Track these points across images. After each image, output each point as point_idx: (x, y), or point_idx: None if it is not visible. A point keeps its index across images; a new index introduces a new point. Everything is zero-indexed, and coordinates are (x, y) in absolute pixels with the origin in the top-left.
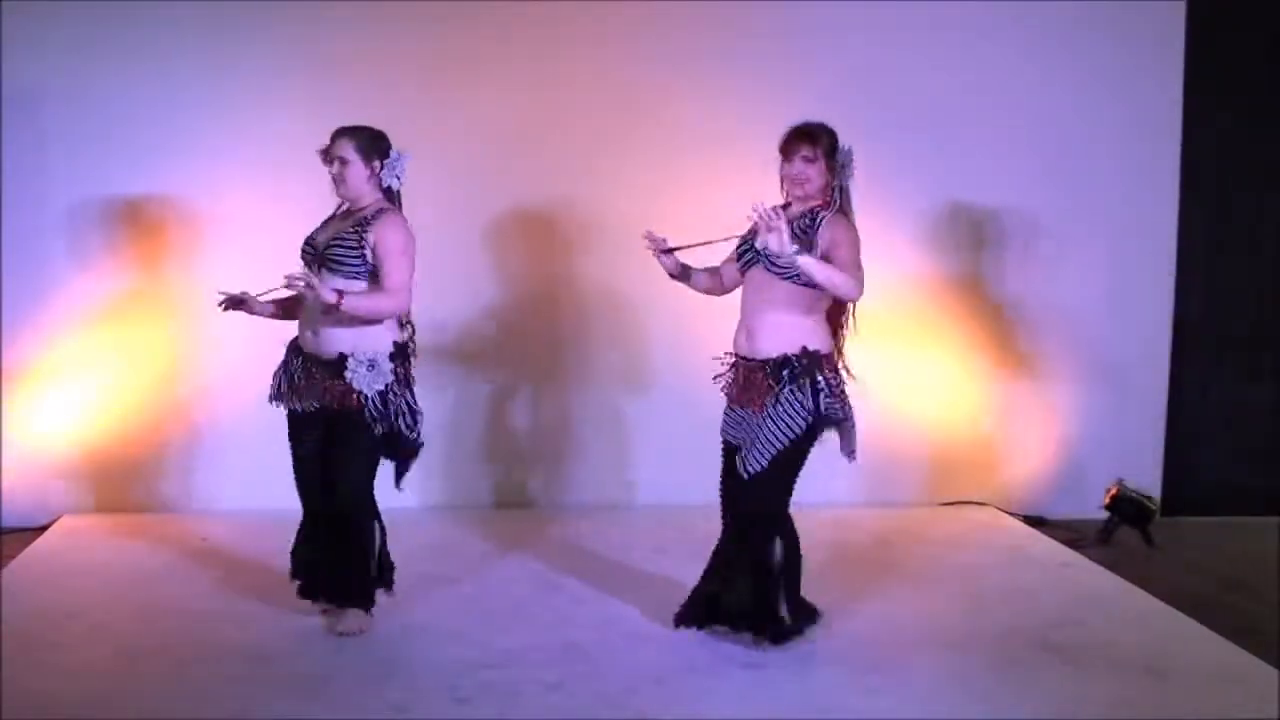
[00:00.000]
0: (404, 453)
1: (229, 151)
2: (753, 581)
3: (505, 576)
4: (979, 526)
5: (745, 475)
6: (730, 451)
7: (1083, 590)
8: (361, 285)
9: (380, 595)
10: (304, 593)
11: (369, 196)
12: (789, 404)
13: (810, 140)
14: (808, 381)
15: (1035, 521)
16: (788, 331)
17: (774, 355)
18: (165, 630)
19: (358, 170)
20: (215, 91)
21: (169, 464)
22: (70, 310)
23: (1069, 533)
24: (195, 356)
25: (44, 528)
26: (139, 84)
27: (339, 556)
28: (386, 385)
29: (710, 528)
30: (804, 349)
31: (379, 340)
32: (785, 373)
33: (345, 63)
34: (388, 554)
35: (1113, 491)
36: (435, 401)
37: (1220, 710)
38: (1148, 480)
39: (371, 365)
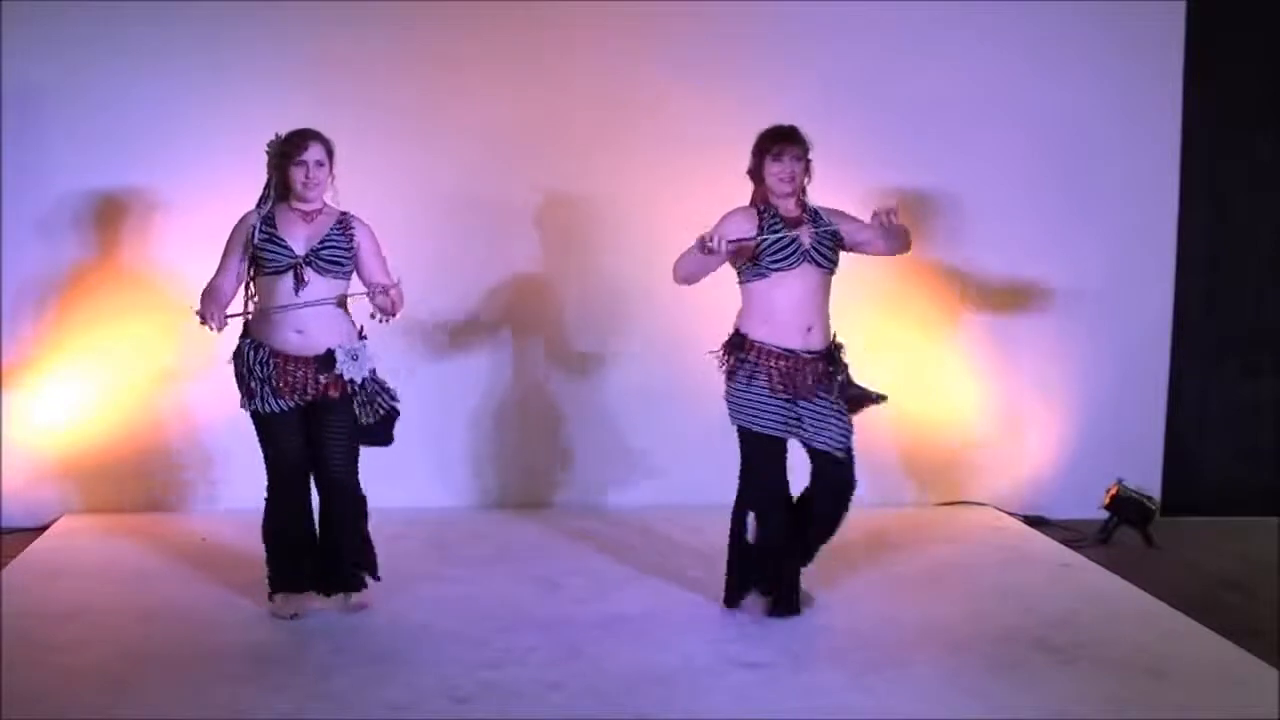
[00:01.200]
0: (383, 431)
1: (229, 151)
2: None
3: (505, 576)
4: (979, 526)
5: (842, 454)
6: (782, 444)
7: (1083, 590)
8: (347, 284)
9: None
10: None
11: (320, 200)
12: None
13: (798, 141)
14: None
15: (1035, 521)
16: (828, 322)
17: (826, 346)
18: (165, 630)
19: (326, 174)
20: (215, 91)
21: (168, 464)
22: (70, 310)
23: (1069, 533)
24: (195, 356)
25: (44, 528)
26: (138, 83)
27: (347, 545)
28: (371, 370)
29: (713, 528)
30: (835, 334)
31: (351, 334)
32: (838, 356)
33: (345, 63)
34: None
35: (1113, 491)
36: (433, 401)
37: (1220, 710)
38: (1148, 480)
39: (354, 356)
